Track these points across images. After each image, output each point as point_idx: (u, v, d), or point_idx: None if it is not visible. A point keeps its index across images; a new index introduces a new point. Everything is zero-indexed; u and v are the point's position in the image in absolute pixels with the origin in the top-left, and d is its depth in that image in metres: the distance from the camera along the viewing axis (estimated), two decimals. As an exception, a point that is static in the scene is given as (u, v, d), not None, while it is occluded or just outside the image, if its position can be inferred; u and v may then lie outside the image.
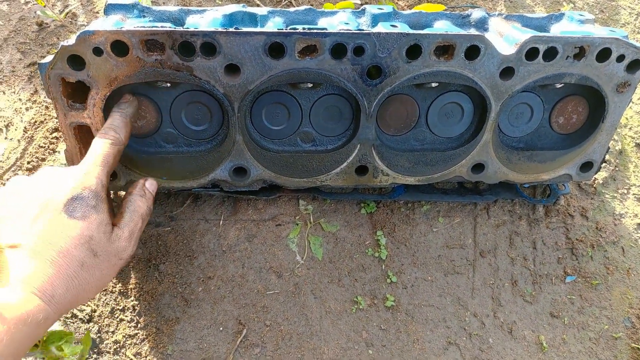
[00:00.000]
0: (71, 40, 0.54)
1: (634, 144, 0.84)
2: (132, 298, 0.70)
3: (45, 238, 0.46)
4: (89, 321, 0.69)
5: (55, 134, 0.75)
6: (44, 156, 0.74)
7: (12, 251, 0.45)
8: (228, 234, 0.73)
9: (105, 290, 0.70)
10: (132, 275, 0.71)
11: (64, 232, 0.47)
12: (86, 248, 0.47)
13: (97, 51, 0.54)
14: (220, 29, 0.54)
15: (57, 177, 0.50)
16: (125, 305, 0.70)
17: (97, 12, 0.81)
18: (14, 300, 0.41)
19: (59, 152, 0.74)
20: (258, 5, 0.85)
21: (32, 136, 0.75)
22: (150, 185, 0.58)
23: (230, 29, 0.54)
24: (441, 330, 0.73)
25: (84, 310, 0.69)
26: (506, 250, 0.77)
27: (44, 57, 0.79)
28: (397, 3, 0.88)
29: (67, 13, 0.80)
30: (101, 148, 0.53)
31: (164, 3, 0.83)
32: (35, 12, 0.80)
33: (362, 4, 0.77)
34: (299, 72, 0.57)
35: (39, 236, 0.46)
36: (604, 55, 0.62)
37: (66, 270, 0.46)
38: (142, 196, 0.56)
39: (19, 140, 0.74)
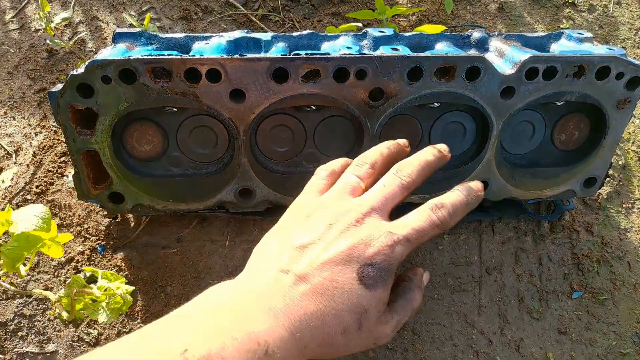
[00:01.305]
0: (80, 69, 0.55)
1: (638, 158, 0.84)
2: (139, 320, 0.70)
3: (327, 287, 0.42)
4: (95, 344, 0.69)
5: (63, 158, 0.76)
6: (52, 180, 0.75)
7: (291, 279, 0.41)
8: (234, 255, 0.74)
9: (113, 312, 0.70)
10: (139, 298, 0.71)
11: (346, 293, 0.42)
12: (356, 318, 0.43)
13: (106, 79, 0.55)
14: (225, 56, 0.55)
15: (372, 225, 0.45)
16: (132, 328, 0.70)
17: (106, 39, 0.83)
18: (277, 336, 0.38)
19: (67, 176, 0.75)
20: (263, 30, 0.87)
21: (41, 160, 0.76)
22: (426, 279, 0.53)
23: (235, 56, 0.55)
24: (448, 348, 0.72)
25: (91, 333, 0.69)
26: (512, 267, 0.77)
27: (53, 83, 0.81)
28: (398, 23, 0.89)
29: (76, 40, 0.82)
30: (420, 224, 0.46)
31: (170, 29, 0.85)
32: (44, 40, 0.82)
33: (364, 27, 0.78)
34: (302, 95, 0.59)
35: (322, 282, 0.42)
36: (603, 73, 0.62)
37: (329, 329, 0.41)
38: (420, 288, 0.51)
39: (28, 165, 0.76)
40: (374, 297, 0.43)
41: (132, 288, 0.54)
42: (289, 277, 0.42)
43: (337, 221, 0.45)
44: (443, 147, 0.54)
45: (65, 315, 0.52)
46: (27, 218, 0.51)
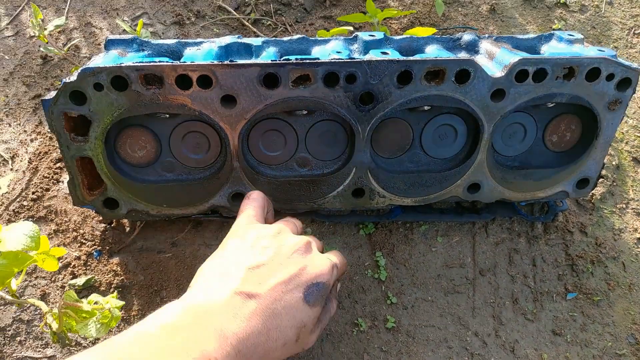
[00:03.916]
0: (73, 76, 0.56)
1: (631, 159, 0.85)
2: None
3: (275, 307, 0.47)
4: (93, 348, 0.70)
5: (59, 164, 0.77)
6: (48, 186, 0.76)
7: (242, 300, 0.46)
8: (229, 259, 0.74)
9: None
10: (135, 302, 0.71)
11: (292, 311, 0.48)
12: (296, 333, 0.48)
13: (98, 87, 0.56)
14: (215, 62, 0.56)
15: (314, 253, 0.53)
16: (129, 332, 0.70)
17: (100, 44, 0.84)
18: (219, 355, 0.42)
19: (62, 182, 0.76)
20: (255, 34, 0.87)
21: (37, 167, 0.77)
22: (339, 288, 0.62)
23: (226, 62, 0.56)
24: (443, 350, 0.72)
25: (88, 338, 0.70)
26: (506, 268, 0.77)
27: (48, 89, 0.81)
28: (389, 26, 0.90)
29: (70, 46, 0.82)
30: (343, 262, 0.58)
31: (163, 34, 0.86)
32: (39, 47, 0.83)
33: (355, 30, 0.78)
34: (293, 100, 0.59)
35: (272, 302, 0.47)
36: (593, 74, 0.63)
37: (273, 343, 0.46)
38: (336, 298, 0.60)
39: (24, 172, 0.76)
40: (313, 313, 0.50)
41: (121, 303, 0.54)
42: (241, 298, 0.46)
43: (286, 247, 0.52)
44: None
45: (55, 327, 0.52)
46: (16, 237, 0.51)
